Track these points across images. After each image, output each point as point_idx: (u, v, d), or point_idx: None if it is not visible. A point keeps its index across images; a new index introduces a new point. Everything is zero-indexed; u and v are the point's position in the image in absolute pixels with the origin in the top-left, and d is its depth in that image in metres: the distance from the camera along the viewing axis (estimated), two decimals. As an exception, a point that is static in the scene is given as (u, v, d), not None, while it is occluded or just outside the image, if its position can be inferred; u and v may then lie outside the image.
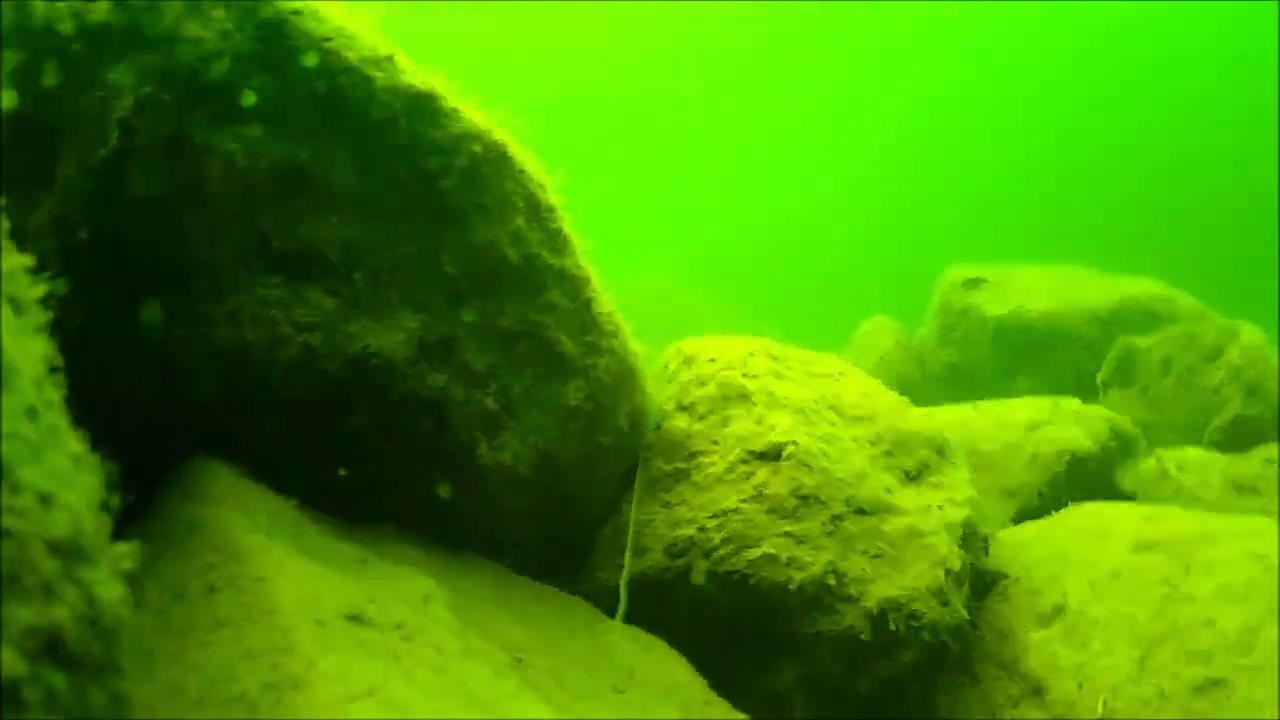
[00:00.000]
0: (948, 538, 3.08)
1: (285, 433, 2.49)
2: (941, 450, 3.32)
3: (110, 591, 1.09)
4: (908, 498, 3.16)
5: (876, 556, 3.02)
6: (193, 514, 2.23)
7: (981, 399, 6.98)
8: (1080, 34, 30.36)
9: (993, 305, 6.88)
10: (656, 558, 3.05)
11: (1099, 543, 3.15)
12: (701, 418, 3.26)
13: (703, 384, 3.32)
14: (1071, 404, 4.53)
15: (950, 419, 4.49)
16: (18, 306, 1.31)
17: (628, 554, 3.04)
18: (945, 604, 2.99)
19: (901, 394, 7.15)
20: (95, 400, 2.25)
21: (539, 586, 2.89)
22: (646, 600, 3.02)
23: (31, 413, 1.21)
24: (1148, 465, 4.75)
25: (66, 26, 2.02)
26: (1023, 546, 3.33)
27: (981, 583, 3.23)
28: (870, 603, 2.94)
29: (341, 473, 2.56)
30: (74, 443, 1.29)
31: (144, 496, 2.37)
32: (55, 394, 1.28)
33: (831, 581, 2.93)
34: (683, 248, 28.35)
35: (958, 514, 3.15)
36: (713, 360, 3.37)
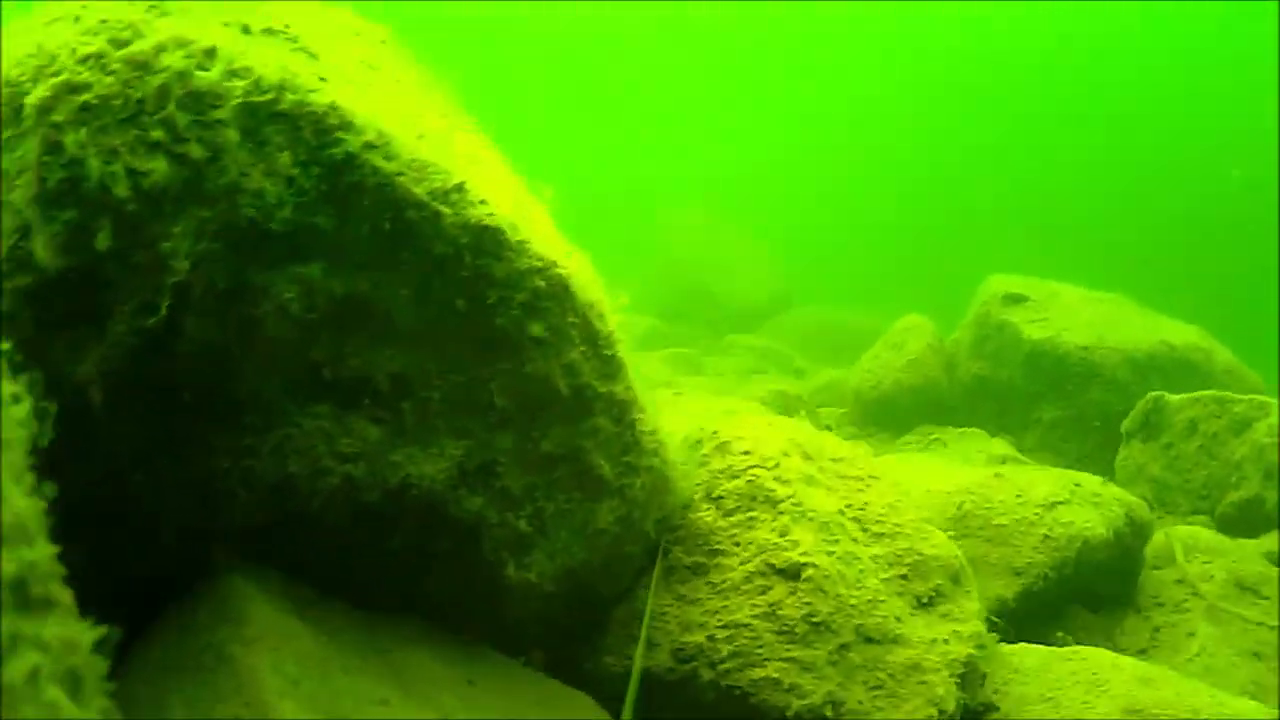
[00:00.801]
0: (947, 675, 3.14)
1: (319, 551, 2.52)
2: (956, 578, 3.35)
3: None
4: (916, 628, 3.21)
5: (876, 688, 3.09)
6: (223, 646, 2.27)
7: (1005, 419, 7.02)
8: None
9: (1030, 328, 6.79)
10: (663, 658, 3.12)
11: (1091, 696, 3.20)
12: (728, 514, 3.28)
13: (733, 478, 3.33)
14: (1093, 484, 4.52)
15: (972, 482, 4.51)
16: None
17: (639, 650, 3.10)
18: (935, 744, 3.07)
19: (928, 401, 7.22)
20: (136, 516, 2.30)
21: (549, 685, 2.97)
22: (648, 696, 3.10)
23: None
24: (1157, 539, 4.79)
25: (122, 189, 1.94)
26: (1019, 676, 3.38)
27: (972, 714, 3.31)
28: (863, 735, 3.01)
29: (367, 576, 2.62)
30: None
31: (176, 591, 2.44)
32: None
33: (829, 712, 3.00)
34: (719, 181, 27.74)
35: (961, 650, 3.20)
36: (746, 453, 3.36)
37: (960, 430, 6.65)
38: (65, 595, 1.34)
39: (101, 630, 1.37)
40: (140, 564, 2.35)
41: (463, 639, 2.86)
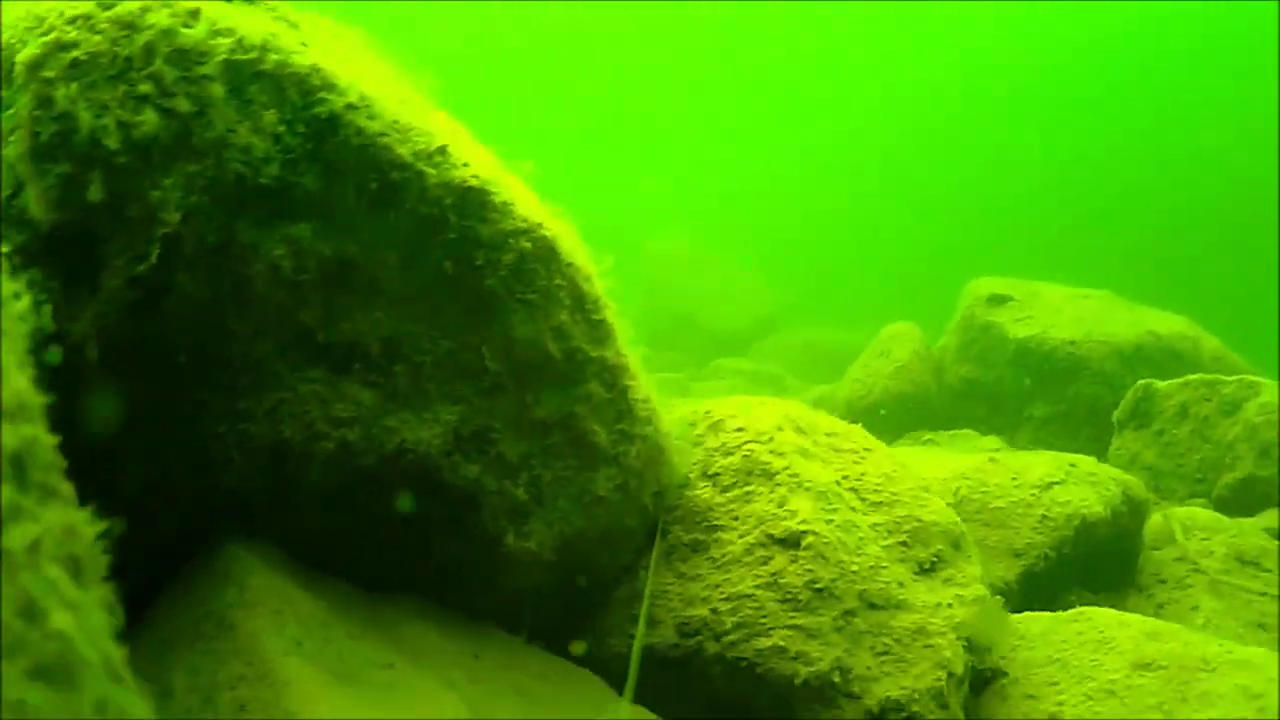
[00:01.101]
0: (954, 639, 3.12)
1: (317, 519, 2.51)
2: (957, 543, 3.35)
3: None
4: (919, 592, 3.19)
5: (883, 654, 3.07)
6: (224, 612, 2.26)
7: (996, 419, 7.04)
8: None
9: (1015, 327, 6.84)
10: (668, 633, 3.10)
11: (1100, 654, 3.19)
12: (724, 490, 3.28)
13: (728, 454, 3.33)
14: (1088, 464, 4.53)
15: (968, 467, 4.51)
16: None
17: (640, 628, 3.09)
18: (944, 707, 3.04)
19: (919, 406, 7.25)
20: (134, 483, 2.30)
21: (552, 662, 2.95)
22: (653, 673, 3.08)
23: (101, 706, 1.23)
24: (1155, 520, 4.79)
25: (113, 141, 1.97)
26: (1025, 642, 3.37)
27: (980, 679, 3.29)
28: (871, 701, 2.99)
29: (365, 545, 2.61)
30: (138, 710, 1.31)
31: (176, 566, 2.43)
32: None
33: (837, 679, 2.97)
34: (703, 211, 28.06)
35: (966, 614, 3.19)
36: (740, 430, 3.37)
37: (952, 433, 6.66)
38: (66, 486, 1.34)
39: (103, 524, 1.37)
40: (138, 536, 2.33)
41: (466, 617, 2.85)
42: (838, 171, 32.16)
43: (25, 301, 1.35)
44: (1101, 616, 3.34)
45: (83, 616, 1.27)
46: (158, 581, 2.42)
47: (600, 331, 2.77)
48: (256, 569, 2.36)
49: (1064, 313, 6.88)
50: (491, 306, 2.54)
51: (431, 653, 2.57)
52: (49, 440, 1.32)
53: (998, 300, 7.04)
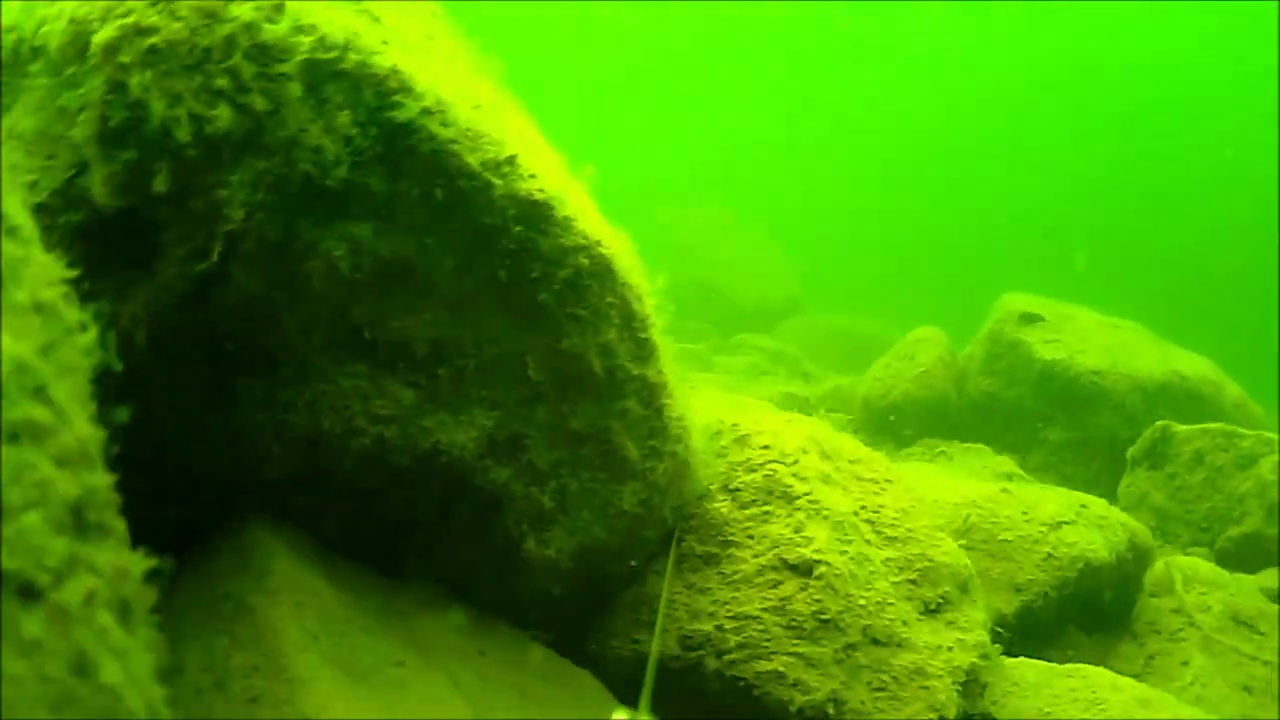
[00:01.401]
0: (950, 683, 3.15)
1: (344, 509, 2.53)
2: (964, 586, 3.37)
3: None
4: (922, 633, 3.22)
5: (879, 690, 3.10)
6: (245, 596, 2.28)
7: (1010, 436, 7.04)
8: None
9: (1043, 348, 6.80)
10: (670, 644, 3.13)
11: (1089, 715, 3.22)
12: (743, 506, 3.29)
13: (751, 471, 3.34)
14: (1098, 506, 4.54)
15: (981, 495, 4.52)
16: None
17: (655, 638, 3.11)
18: (933, 749, 3.08)
19: (936, 414, 7.23)
20: (170, 465, 2.31)
21: (555, 662, 2.98)
22: (655, 683, 3.11)
23: None
24: (1157, 568, 4.81)
25: (184, 134, 1.95)
26: (1018, 689, 3.40)
27: (971, 721, 3.33)
28: (863, 735, 3.03)
29: (388, 535, 2.63)
30: None
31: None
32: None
33: (831, 710, 3.01)
34: (743, 184, 27.72)
35: (965, 659, 3.21)
36: (765, 448, 3.37)
37: (965, 445, 6.66)
38: (120, 524, 1.35)
39: (153, 561, 1.37)
40: (170, 513, 2.35)
41: (476, 611, 2.88)
42: (877, 154, 31.83)
43: (92, 334, 1.34)
44: (1096, 676, 3.37)
45: (130, 664, 1.29)
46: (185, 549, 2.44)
47: (644, 350, 2.76)
48: (280, 555, 2.38)
49: (1093, 340, 6.85)
50: (541, 318, 2.53)
51: (441, 650, 2.60)
52: (106, 480, 1.32)
53: (1029, 319, 6.99)
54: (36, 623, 1.16)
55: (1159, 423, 5.80)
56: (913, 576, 3.31)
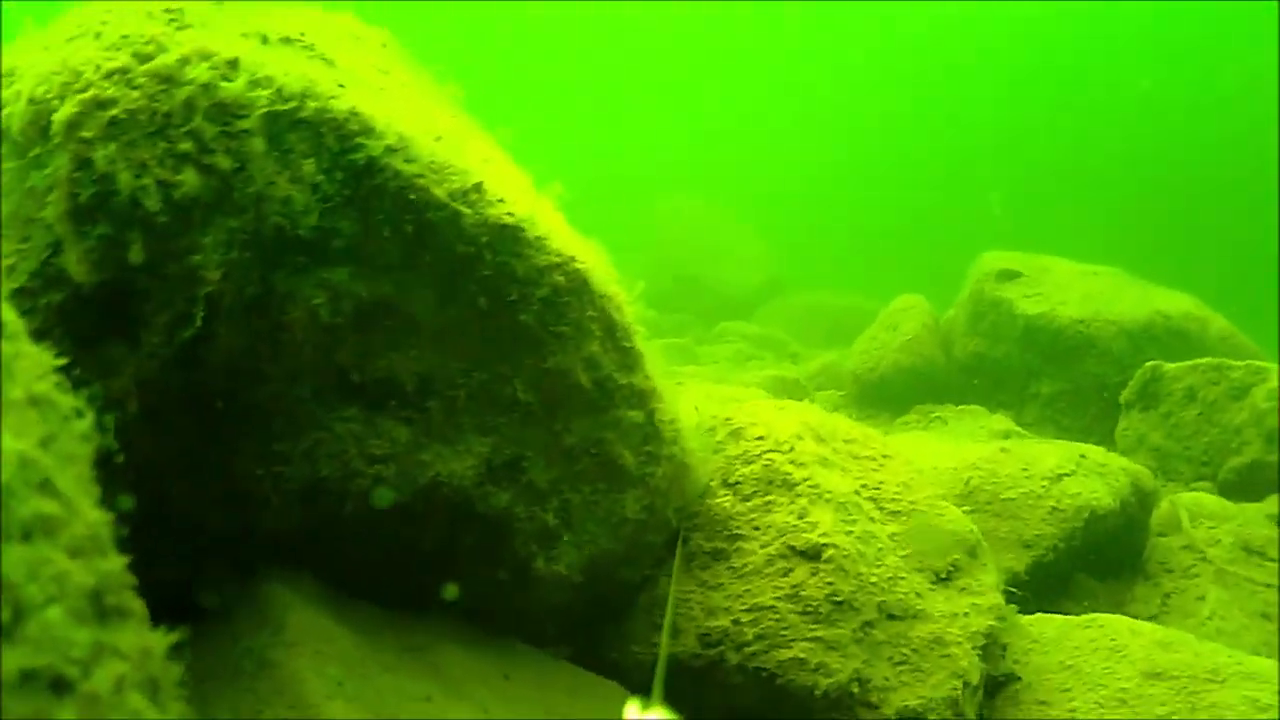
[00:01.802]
0: (969, 648, 3.18)
1: (349, 550, 2.55)
2: (973, 551, 3.40)
3: None
4: (936, 602, 3.25)
5: (900, 663, 3.13)
6: (264, 651, 2.30)
7: (1002, 394, 7.08)
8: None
9: (1025, 303, 6.85)
10: (690, 643, 3.15)
11: (1111, 662, 3.26)
12: (745, 499, 3.31)
13: (749, 463, 3.37)
14: (1097, 454, 4.58)
15: (980, 456, 4.56)
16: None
17: (664, 636, 3.14)
18: (960, 715, 3.11)
19: (926, 380, 7.27)
20: (173, 519, 2.33)
21: (579, 675, 3.00)
22: (675, 682, 3.13)
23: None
24: (1162, 508, 4.85)
25: (153, 202, 1.96)
26: (1038, 646, 3.44)
27: (994, 683, 3.36)
28: (889, 710, 3.06)
29: (396, 572, 2.65)
30: None
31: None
32: None
33: (855, 689, 3.04)
34: (713, 170, 27.70)
35: (982, 622, 3.25)
36: (760, 439, 3.40)
37: (959, 408, 6.71)
38: (138, 605, 1.36)
39: (174, 636, 1.39)
40: (178, 574, 2.36)
41: (492, 634, 2.90)
42: (844, 135, 31.86)
43: (88, 420, 1.36)
44: (1114, 624, 3.41)
45: (163, 740, 1.31)
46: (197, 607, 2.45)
47: (630, 358, 2.78)
48: (295, 606, 2.40)
49: (1073, 290, 6.89)
50: (525, 340, 2.55)
51: (465, 679, 2.62)
52: (120, 563, 1.34)
53: (1007, 275, 7.04)
54: (70, 713, 1.18)
55: (1148, 363, 5.84)
56: (920, 548, 3.34)
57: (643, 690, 3.15)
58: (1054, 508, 4.32)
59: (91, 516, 1.29)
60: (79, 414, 1.36)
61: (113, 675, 1.22)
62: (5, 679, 1.10)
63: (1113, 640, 3.34)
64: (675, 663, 3.17)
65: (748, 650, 3.09)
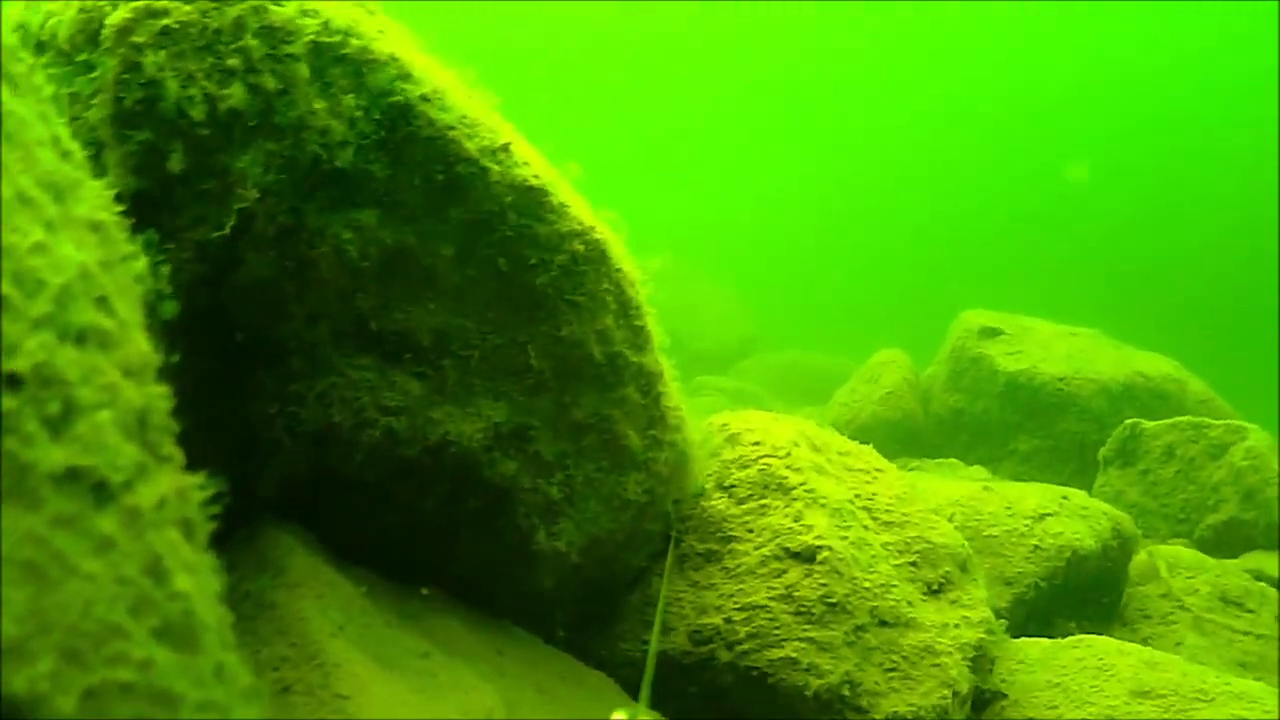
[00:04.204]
0: (959, 658, 3.17)
1: (352, 507, 2.52)
2: (964, 565, 3.40)
3: None
4: (928, 612, 3.24)
5: (891, 670, 3.11)
6: (265, 593, 2.25)
7: (980, 449, 7.14)
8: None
9: (1006, 360, 6.95)
10: (680, 640, 3.12)
11: (1099, 681, 3.25)
12: (740, 502, 3.31)
13: (745, 466, 3.37)
14: (1079, 497, 4.62)
15: (963, 494, 4.58)
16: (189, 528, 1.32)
17: (654, 634, 3.10)
18: (949, 725, 3.09)
19: (905, 433, 7.32)
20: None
21: (569, 663, 2.96)
22: (665, 680, 3.09)
23: (219, 671, 1.23)
24: (1140, 558, 4.88)
25: (199, 112, 1.97)
26: (1025, 666, 3.43)
27: (981, 699, 3.34)
28: (879, 715, 3.03)
29: (400, 536, 2.61)
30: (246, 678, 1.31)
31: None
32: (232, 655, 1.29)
33: (846, 692, 3.01)
34: (689, 230, 28.15)
35: (972, 635, 3.24)
36: (757, 444, 3.41)
37: (937, 461, 6.75)
38: (177, 452, 1.35)
39: (212, 488, 1.37)
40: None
41: (488, 615, 2.86)
42: (822, 191, 32.42)
43: (143, 262, 1.35)
44: (1101, 644, 3.41)
45: (200, 579, 1.28)
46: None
47: (641, 337, 2.80)
48: (296, 550, 2.36)
49: (1054, 349, 7.00)
50: (541, 305, 2.56)
51: (459, 647, 2.58)
52: (165, 403, 1.32)
53: (989, 333, 7.14)
54: (111, 522, 1.15)
55: (1128, 420, 5.92)
56: (913, 559, 3.34)
57: (629, 687, 3.10)
58: (1036, 546, 4.34)
59: (144, 345, 1.28)
60: (135, 256, 1.36)
61: (156, 494, 1.20)
62: (50, 472, 1.08)
63: (1100, 660, 3.33)
64: (666, 660, 3.13)
65: (739, 649, 3.06)
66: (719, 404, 9.83)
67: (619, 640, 3.21)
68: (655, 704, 3.10)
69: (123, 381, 1.21)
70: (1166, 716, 3.13)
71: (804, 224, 30.23)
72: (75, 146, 1.31)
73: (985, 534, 4.37)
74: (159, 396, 1.28)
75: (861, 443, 7.06)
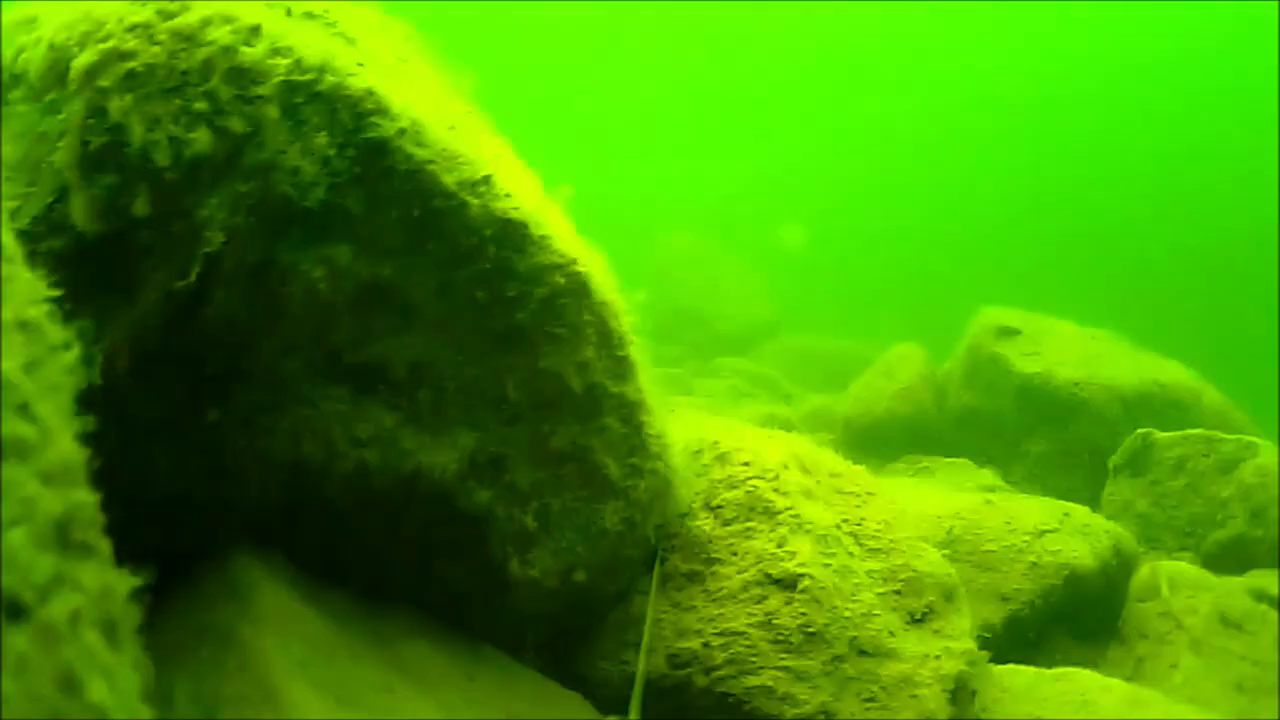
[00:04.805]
0: (938, 690, 3.16)
1: (326, 534, 2.53)
2: (949, 595, 3.38)
3: None
4: (909, 642, 3.23)
5: (869, 700, 3.10)
6: (230, 625, 2.27)
7: (992, 449, 7.08)
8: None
9: (1022, 361, 6.86)
10: (658, 663, 3.12)
11: (1081, 716, 3.23)
12: (726, 523, 3.29)
13: (732, 488, 3.35)
14: (1081, 514, 4.57)
15: (964, 506, 4.55)
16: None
17: (641, 659, 3.11)
18: (924, 758, 3.08)
19: (918, 430, 7.27)
20: (153, 494, 2.31)
21: (544, 685, 2.97)
22: (641, 702, 3.10)
23: None
24: (1142, 573, 4.83)
25: (163, 157, 1.96)
26: (1008, 695, 3.41)
27: (962, 730, 3.33)
28: (854, 746, 3.03)
29: (373, 564, 2.63)
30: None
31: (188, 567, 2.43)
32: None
33: (821, 721, 3.01)
34: (716, 208, 27.84)
35: (953, 666, 3.22)
36: (746, 464, 3.39)
37: (949, 460, 6.70)
38: (104, 544, 1.35)
39: (137, 580, 1.37)
40: (153, 540, 2.33)
41: (463, 635, 2.87)
42: (849, 175, 32.02)
43: (75, 352, 1.35)
44: (1085, 679, 3.38)
45: (117, 682, 1.29)
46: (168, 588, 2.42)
47: (622, 368, 2.77)
48: (264, 582, 2.37)
49: (1071, 352, 6.90)
50: (520, 338, 2.55)
51: (428, 675, 2.59)
52: (91, 499, 1.32)
53: (1006, 333, 7.05)
54: (24, 640, 1.16)
55: (1140, 430, 5.84)
56: (897, 587, 3.32)
57: (606, 706, 3.11)
58: (1034, 563, 4.30)
59: (67, 447, 1.28)
60: (67, 346, 1.35)
61: (69, 606, 1.21)
62: (-38, 597, 1.08)
63: (1083, 695, 3.31)
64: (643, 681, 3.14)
65: (716, 674, 3.07)
66: (738, 386, 9.82)
67: (598, 659, 3.21)
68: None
69: (41, 491, 1.21)
70: (1147, 757, 3.11)
71: (832, 204, 29.85)
72: (7, 238, 1.30)
73: (984, 549, 4.34)
74: (83, 498, 1.28)
75: (873, 438, 7.01)
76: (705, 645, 3.11)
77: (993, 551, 4.32)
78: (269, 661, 2.20)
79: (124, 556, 1.68)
